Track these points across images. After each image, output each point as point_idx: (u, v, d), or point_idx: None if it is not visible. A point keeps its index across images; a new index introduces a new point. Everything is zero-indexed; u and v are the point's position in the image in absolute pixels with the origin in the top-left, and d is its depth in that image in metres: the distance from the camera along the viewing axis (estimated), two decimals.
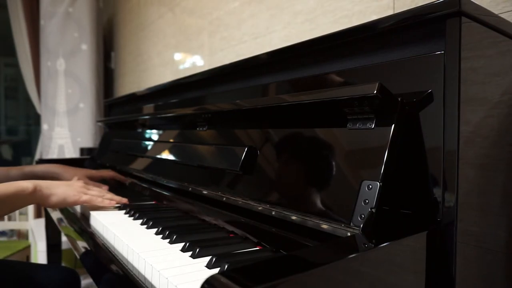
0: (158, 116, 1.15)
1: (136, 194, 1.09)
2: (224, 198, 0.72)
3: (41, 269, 1.11)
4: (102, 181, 1.22)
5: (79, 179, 1.09)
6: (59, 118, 2.61)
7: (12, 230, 2.80)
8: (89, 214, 0.88)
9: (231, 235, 0.68)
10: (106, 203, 0.89)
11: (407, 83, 0.56)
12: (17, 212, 2.66)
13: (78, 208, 0.99)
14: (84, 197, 0.88)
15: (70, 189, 0.88)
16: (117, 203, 0.92)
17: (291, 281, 0.33)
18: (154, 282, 0.52)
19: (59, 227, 1.13)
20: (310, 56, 0.74)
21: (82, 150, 2.22)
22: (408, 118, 0.53)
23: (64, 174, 1.18)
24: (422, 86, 0.53)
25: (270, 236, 0.60)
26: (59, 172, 1.19)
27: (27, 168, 1.18)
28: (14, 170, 1.14)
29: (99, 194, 0.91)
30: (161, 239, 0.66)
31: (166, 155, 1.02)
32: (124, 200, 0.93)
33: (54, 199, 0.85)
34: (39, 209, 2.51)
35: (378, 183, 0.48)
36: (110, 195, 0.93)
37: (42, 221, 2.00)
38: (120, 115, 1.78)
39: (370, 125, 0.53)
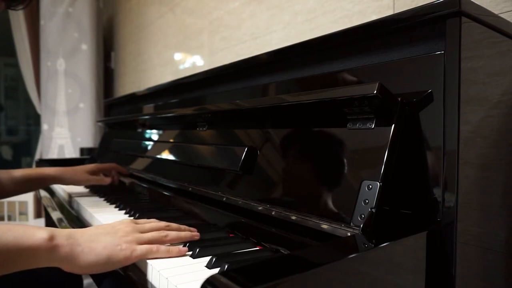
0: (158, 116, 1.15)
1: (136, 195, 1.09)
2: (224, 198, 0.72)
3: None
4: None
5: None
6: (59, 118, 2.61)
7: None
8: (89, 214, 0.88)
9: (231, 235, 0.68)
10: (175, 253, 0.57)
11: (407, 83, 0.56)
12: (17, 212, 2.66)
13: (75, 205, 1.00)
14: (138, 251, 0.55)
15: (115, 240, 0.55)
16: (189, 239, 0.62)
17: (291, 281, 0.33)
18: (154, 282, 0.52)
19: (59, 227, 1.13)
20: (310, 56, 0.74)
21: (82, 150, 2.22)
22: (408, 118, 0.53)
23: (64, 176, 1.08)
24: (422, 86, 0.53)
25: (270, 236, 0.60)
26: (59, 176, 1.08)
27: (32, 171, 1.05)
28: (18, 172, 1.03)
29: (158, 236, 0.59)
30: None
31: (166, 155, 1.02)
32: (197, 236, 0.63)
33: (87, 259, 0.52)
34: (39, 209, 2.50)
35: (378, 183, 0.48)
36: (175, 232, 0.61)
37: (42, 221, 2.00)
38: (120, 115, 1.78)
39: (370, 125, 0.53)
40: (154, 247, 0.56)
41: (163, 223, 0.63)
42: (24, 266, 0.51)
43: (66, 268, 0.53)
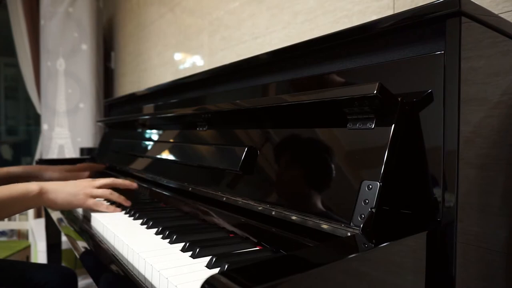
0: (158, 116, 1.15)
1: (136, 194, 1.09)
2: (224, 198, 0.72)
3: (39, 268, 1.11)
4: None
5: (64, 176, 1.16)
6: (59, 118, 2.61)
7: (12, 230, 2.80)
8: (89, 214, 0.88)
9: (231, 235, 0.68)
10: (111, 209, 0.87)
11: (407, 83, 0.56)
12: None
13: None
14: (89, 202, 0.87)
15: (76, 191, 0.86)
16: (122, 204, 0.89)
17: (291, 281, 0.33)
18: (154, 282, 0.52)
19: (59, 227, 1.13)
20: (310, 56, 0.74)
21: (82, 150, 2.22)
22: (408, 118, 0.53)
23: (43, 174, 1.19)
24: (422, 86, 0.53)
25: (270, 236, 0.60)
26: (37, 173, 1.19)
27: (3, 170, 1.16)
28: None
29: (106, 193, 0.89)
30: (161, 239, 0.66)
31: (166, 155, 1.02)
32: (128, 203, 0.90)
33: (59, 202, 0.85)
34: (39, 209, 2.51)
35: (378, 183, 0.48)
36: (117, 195, 0.90)
37: (42, 221, 2.00)
38: (120, 115, 1.78)
39: (370, 125, 0.53)
40: (99, 202, 0.87)
41: (110, 181, 0.94)
42: (24, 209, 0.83)
43: (49, 206, 0.91)
